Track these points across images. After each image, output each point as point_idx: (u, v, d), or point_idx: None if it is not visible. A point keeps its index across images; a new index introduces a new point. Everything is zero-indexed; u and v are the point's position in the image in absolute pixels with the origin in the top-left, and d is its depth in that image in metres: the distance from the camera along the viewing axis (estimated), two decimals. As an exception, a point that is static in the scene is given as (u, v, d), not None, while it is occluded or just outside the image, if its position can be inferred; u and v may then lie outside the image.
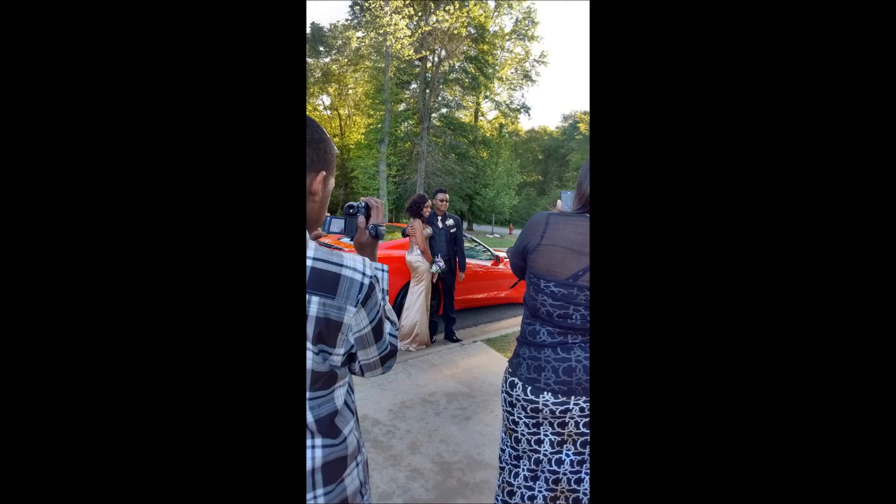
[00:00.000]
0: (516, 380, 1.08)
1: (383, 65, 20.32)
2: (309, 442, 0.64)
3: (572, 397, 1.02)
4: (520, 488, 1.10)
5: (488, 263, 5.16)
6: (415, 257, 3.58)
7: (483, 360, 3.42)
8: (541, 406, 1.04)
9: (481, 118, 28.35)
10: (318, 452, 0.65)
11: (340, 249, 0.68)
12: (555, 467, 1.07)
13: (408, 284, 3.71)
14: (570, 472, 1.06)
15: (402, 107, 24.27)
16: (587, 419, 1.04)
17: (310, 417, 0.64)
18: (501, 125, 28.73)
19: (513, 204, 28.54)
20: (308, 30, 24.50)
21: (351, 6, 22.54)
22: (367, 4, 16.69)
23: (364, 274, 0.65)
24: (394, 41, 16.36)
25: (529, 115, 40.19)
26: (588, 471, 1.06)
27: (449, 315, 3.91)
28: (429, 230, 3.61)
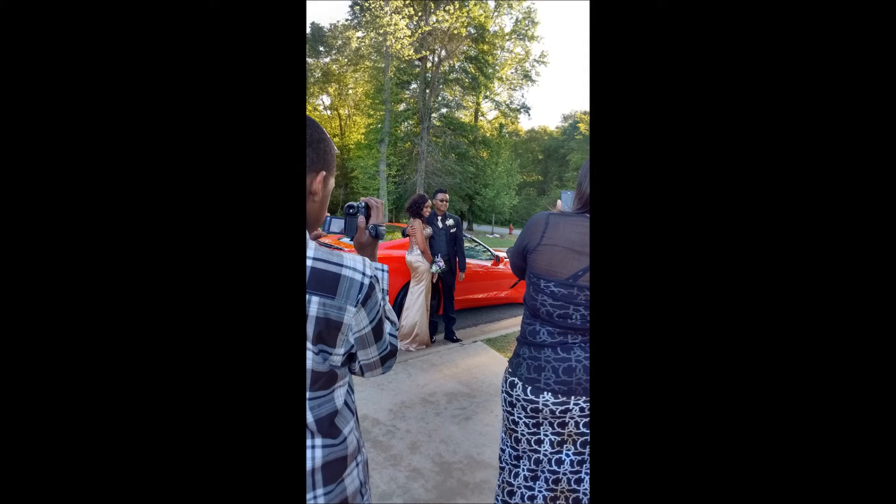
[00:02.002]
0: (516, 380, 1.08)
1: (383, 65, 20.32)
2: (309, 442, 0.64)
3: (572, 397, 1.02)
4: (520, 488, 1.10)
5: (488, 263, 5.16)
6: (415, 257, 3.58)
7: (483, 360, 3.42)
8: (541, 406, 1.04)
9: (481, 118, 28.34)
10: (318, 452, 0.65)
11: (340, 249, 0.68)
12: (555, 467, 1.07)
13: (408, 284, 3.71)
14: (570, 472, 1.06)
15: (402, 107, 24.26)
16: (587, 419, 1.04)
17: (310, 417, 0.64)
18: (501, 125, 28.72)
19: (513, 204, 28.54)
20: (308, 30, 24.50)
21: (351, 6, 22.55)
22: (367, 4, 16.70)
23: (364, 274, 0.65)
24: (394, 41, 16.37)
25: (529, 115, 40.26)
26: (588, 471, 1.06)
27: (449, 315, 3.91)
28: (429, 230, 3.61)
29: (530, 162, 40.51)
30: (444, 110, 25.72)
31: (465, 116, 26.86)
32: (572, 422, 1.04)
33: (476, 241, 5.50)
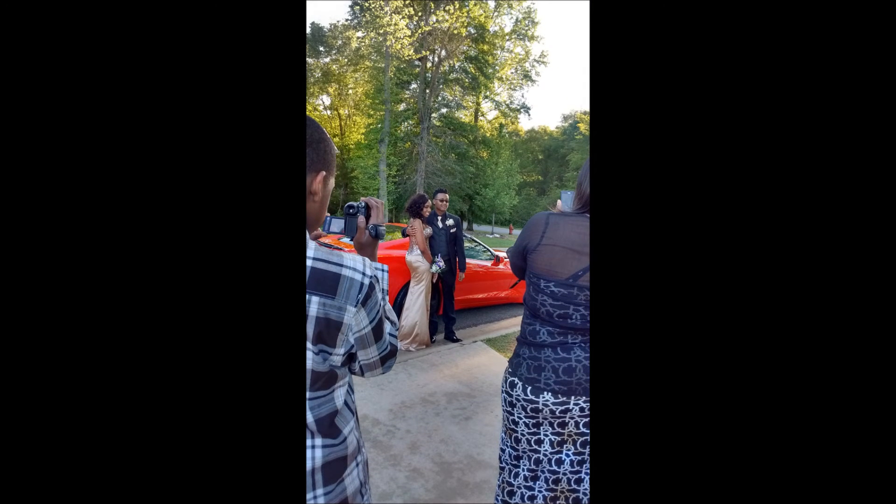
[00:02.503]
0: (516, 380, 1.08)
1: (383, 65, 20.31)
2: (309, 442, 0.64)
3: (572, 397, 1.02)
4: (520, 488, 1.10)
5: (488, 263, 5.16)
6: (415, 257, 3.58)
7: (483, 360, 3.42)
8: (541, 406, 1.04)
9: (481, 118, 28.34)
10: (318, 452, 0.65)
11: (340, 249, 0.68)
12: (555, 467, 1.07)
13: (408, 284, 3.71)
14: (570, 472, 1.06)
15: (402, 107, 24.25)
16: (587, 419, 1.04)
17: (310, 417, 0.64)
18: (501, 125, 28.72)
19: (513, 204, 28.53)
20: (308, 30, 24.51)
21: (351, 6, 22.55)
22: (367, 4, 16.71)
23: (364, 274, 0.65)
24: (394, 41, 16.38)
25: (529, 115, 40.27)
26: (588, 471, 1.06)
27: (449, 315, 3.91)
28: (429, 230, 3.61)
29: (530, 162, 40.53)
30: (444, 110, 25.72)
31: (465, 116, 26.86)
32: (572, 422, 1.04)
33: (476, 241, 5.50)
